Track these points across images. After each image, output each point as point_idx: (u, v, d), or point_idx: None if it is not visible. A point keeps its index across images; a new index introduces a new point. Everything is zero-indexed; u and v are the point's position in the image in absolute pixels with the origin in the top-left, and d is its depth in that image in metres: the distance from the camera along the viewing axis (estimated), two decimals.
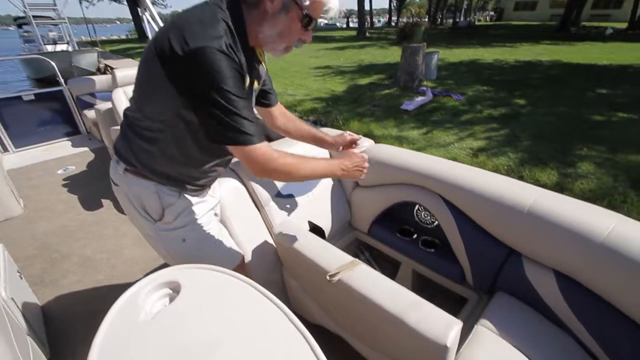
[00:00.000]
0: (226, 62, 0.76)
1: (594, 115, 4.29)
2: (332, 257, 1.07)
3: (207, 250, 1.12)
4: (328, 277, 1.01)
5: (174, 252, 1.09)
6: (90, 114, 3.93)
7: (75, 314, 1.81)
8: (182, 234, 1.06)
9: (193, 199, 1.07)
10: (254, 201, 1.41)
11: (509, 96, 5.31)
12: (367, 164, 1.15)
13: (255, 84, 1.05)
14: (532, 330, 1.05)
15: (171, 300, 0.82)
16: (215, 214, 1.21)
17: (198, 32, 0.75)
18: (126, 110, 1.00)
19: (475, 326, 1.07)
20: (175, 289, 0.85)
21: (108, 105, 3.03)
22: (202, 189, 1.11)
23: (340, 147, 1.36)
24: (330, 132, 1.46)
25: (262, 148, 0.86)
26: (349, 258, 1.07)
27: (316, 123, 4.53)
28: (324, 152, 1.56)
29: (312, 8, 0.85)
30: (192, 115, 0.86)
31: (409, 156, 1.42)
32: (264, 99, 1.22)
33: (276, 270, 1.42)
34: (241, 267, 1.22)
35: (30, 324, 1.45)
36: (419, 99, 5.08)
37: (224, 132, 0.81)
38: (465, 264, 1.27)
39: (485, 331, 1.05)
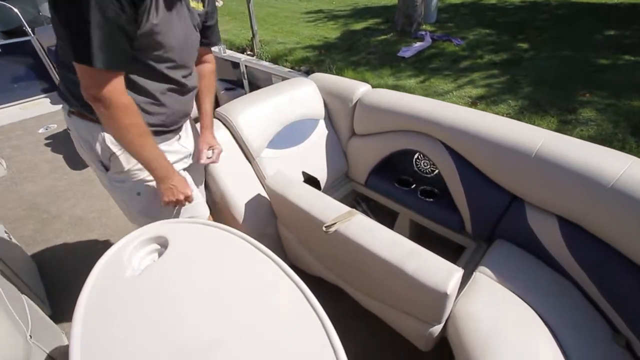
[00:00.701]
0: None
1: (600, 59, 4.09)
2: (327, 208, 1.02)
3: (166, 209, 1.03)
4: (324, 228, 0.97)
5: (131, 207, 1.02)
6: None
7: (72, 271, 1.81)
8: (135, 187, 0.98)
9: None
10: (244, 152, 1.33)
11: (512, 40, 5.02)
12: (181, 200, 0.98)
13: (193, 3, 0.91)
14: (531, 276, 1.04)
15: (160, 255, 0.78)
16: (184, 169, 1.09)
17: None
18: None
19: (474, 273, 1.06)
20: (163, 244, 0.80)
21: None
22: (159, 133, 0.97)
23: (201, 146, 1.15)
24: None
25: (107, 75, 0.75)
26: (345, 208, 1.02)
27: (308, 73, 4.29)
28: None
29: None
30: None
31: (409, 100, 1.32)
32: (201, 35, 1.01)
33: (271, 223, 1.38)
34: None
35: (25, 282, 1.43)
36: (417, 45, 4.78)
37: (71, 42, 0.71)
38: (465, 212, 1.23)
39: (483, 278, 1.04)
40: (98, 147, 0.92)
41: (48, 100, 3.98)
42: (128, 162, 0.95)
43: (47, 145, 3.08)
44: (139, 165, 0.94)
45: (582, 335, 0.89)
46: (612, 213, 0.88)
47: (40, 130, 3.32)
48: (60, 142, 3.10)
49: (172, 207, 0.99)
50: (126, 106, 0.80)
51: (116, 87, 0.78)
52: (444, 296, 0.80)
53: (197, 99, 1.14)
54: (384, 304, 1.08)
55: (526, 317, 0.92)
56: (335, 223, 0.98)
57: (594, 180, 0.89)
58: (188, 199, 0.99)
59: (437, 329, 0.96)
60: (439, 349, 1.03)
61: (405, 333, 1.07)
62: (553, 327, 0.89)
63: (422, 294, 0.85)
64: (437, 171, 1.38)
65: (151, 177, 0.98)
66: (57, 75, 4.06)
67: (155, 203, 1.01)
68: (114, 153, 0.93)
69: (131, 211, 1.04)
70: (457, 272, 0.82)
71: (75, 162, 2.76)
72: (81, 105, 0.86)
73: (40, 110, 3.72)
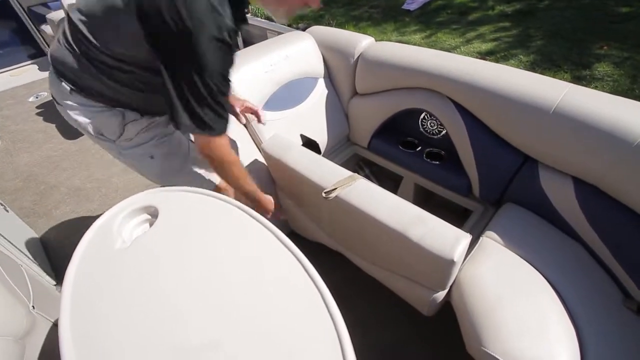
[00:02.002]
0: (223, 52, 0.69)
1: (621, 7, 3.79)
2: (327, 173, 0.97)
3: (183, 168, 1.03)
4: (324, 194, 0.92)
5: (148, 171, 1.01)
6: (49, 29, 3.44)
7: (74, 241, 1.79)
8: (147, 150, 0.95)
9: (158, 117, 0.96)
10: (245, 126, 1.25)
11: None
12: (267, 216, 1.08)
13: None
14: (540, 240, 1.00)
15: (151, 225, 0.74)
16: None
17: (197, 9, 0.63)
18: (74, 27, 0.78)
19: (481, 238, 1.02)
20: (153, 214, 0.76)
21: (62, 13, 2.59)
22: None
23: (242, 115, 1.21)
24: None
25: (220, 141, 0.81)
26: (346, 173, 0.96)
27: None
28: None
29: None
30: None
31: (416, 54, 1.20)
32: None
33: (268, 189, 1.33)
34: (224, 189, 1.13)
35: (25, 253, 1.43)
36: None
37: (187, 117, 0.74)
38: (474, 174, 1.17)
39: (490, 242, 1.00)
40: (106, 124, 0.89)
41: (36, 66, 3.82)
42: (144, 124, 0.93)
43: (38, 114, 2.99)
44: (155, 124, 0.95)
45: (591, 299, 0.86)
46: (635, 173, 0.81)
47: (31, 99, 3.21)
48: (52, 111, 3.00)
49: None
50: (233, 162, 0.88)
51: (225, 145, 0.84)
52: (450, 263, 0.77)
53: None
54: (387, 271, 1.06)
55: (534, 282, 0.88)
56: (335, 188, 0.92)
57: (618, 138, 0.81)
58: (270, 213, 1.09)
59: (441, 294, 0.93)
60: (442, 314, 1.02)
61: (408, 299, 1.05)
62: (561, 291, 0.87)
63: (428, 261, 0.81)
64: (444, 132, 1.30)
65: (164, 139, 0.98)
66: (43, 40, 3.85)
67: (172, 164, 1.01)
68: (135, 120, 0.91)
69: (149, 175, 1.04)
70: (465, 239, 0.77)
71: (69, 132, 2.68)
72: (96, 94, 0.84)
73: (29, 77, 3.58)
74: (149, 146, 0.95)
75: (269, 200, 1.09)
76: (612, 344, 0.79)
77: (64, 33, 0.80)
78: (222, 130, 0.79)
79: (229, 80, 0.76)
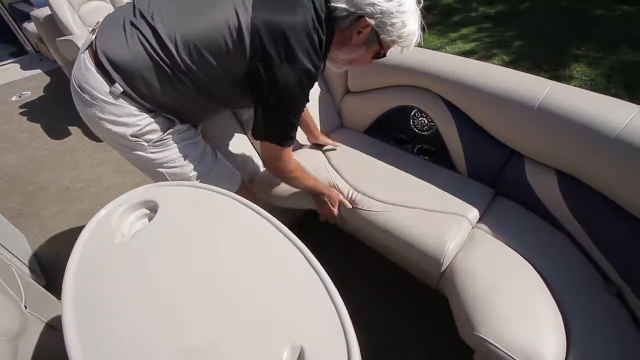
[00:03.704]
0: (310, 83, 0.80)
1: (597, 10, 3.95)
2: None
3: (213, 172, 1.01)
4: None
5: (181, 171, 0.97)
6: (31, 27, 3.35)
7: (64, 242, 1.77)
8: (180, 151, 0.94)
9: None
10: (234, 114, 1.26)
11: None
12: (336, 207, 1.14)
13: None
14: (528, 231, 1.04)
15: (150, 220, 0.75)
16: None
17: (298, 47, 0.74)
18: (152, 32, 0.77)
19: (472, 229, 1.06)
20: (152, 209, 0.76)
21: (47, 10, 2.52)
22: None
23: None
24: None
25: (286, 151, 0.91)
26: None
27: None
28: None
29: (390, 46, 0.86)
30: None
31: (408, 53, 1.24)
32: None
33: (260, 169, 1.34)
34: (244, 191, 1.11)
35: (13, 254, 1.40)
36: None
37: (268, 131, 0.85)
38: (463, 169, 1.21)
39: (481, 233, 1.04)
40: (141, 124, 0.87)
41: (18, 65, 3.71)
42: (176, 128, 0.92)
43: (22, 114, 2.91)
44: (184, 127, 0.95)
45: (575, 285, 0.91)
46: (613, 164, 0.86)
47: (14, 98, 3.12)
48: (36, 111, 2.93)
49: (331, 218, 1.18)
50: (293, 170, 0.97)
51: (288, 162, 0.94)
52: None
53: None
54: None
55: (523, 270, 0.93)
56: None
57: (598, 132, 0.86)
58: (336, 205, 1.14)
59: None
60: (433, 305, 1.05)
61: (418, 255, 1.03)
62: (548, 278, 0.91)
63: None
64: (434, 128, 1.34)
65: (194, 140, 0.97)
66: (25, 38, 3.74)
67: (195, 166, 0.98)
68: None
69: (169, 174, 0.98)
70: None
71: (55, 132, 2.63)
72: (140, 96, 0.83)
73: (12, 76, 3.47)
74: (174, 148, 0.93)
75: (328, 188, 1.13)
76: (594, 326, 0.83)
77: (142, 38, 0.77)
78: (291, 140, 0.89)
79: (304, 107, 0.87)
